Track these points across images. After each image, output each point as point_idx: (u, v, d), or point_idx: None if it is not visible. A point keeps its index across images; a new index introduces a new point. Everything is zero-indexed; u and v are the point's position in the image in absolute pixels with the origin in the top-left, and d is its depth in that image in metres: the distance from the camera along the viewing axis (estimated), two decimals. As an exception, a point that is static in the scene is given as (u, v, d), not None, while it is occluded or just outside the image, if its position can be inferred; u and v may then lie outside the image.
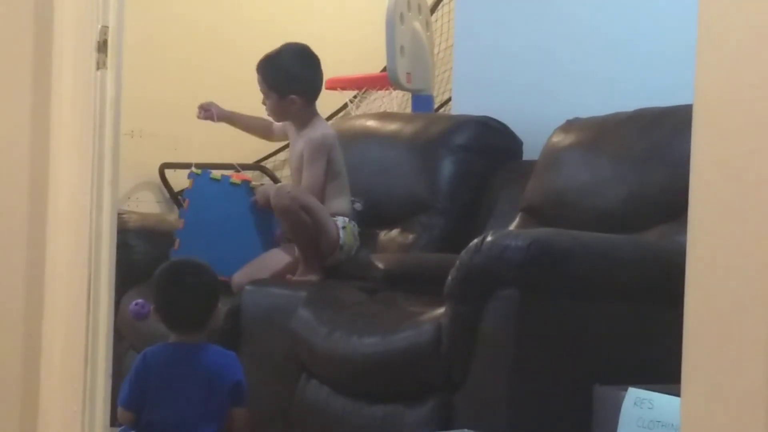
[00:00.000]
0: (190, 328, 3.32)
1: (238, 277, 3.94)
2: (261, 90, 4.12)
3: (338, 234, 3.97)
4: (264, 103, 4.12)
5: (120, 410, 3.25)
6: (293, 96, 4.05)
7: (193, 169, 4.17)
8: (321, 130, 4.07)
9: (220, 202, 4.10)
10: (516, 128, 4.21)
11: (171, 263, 3.51)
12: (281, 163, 5.76)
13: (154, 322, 3.42)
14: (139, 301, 3.54)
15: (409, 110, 5.29)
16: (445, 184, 4.14)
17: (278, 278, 3.95)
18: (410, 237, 4.11)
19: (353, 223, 4.06)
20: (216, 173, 4.17)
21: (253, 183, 4.24)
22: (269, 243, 4.13)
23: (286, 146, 4.48)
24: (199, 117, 4.26)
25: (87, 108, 2.68)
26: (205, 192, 4.11)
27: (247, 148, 5.42)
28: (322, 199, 4.00)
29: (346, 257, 4.00)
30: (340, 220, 4.00)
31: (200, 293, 3.36)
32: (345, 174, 4.09)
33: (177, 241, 4.05)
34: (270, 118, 4.25)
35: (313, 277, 3.90)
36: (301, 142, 4.07)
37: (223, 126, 5.66)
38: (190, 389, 3.25)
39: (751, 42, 1.56)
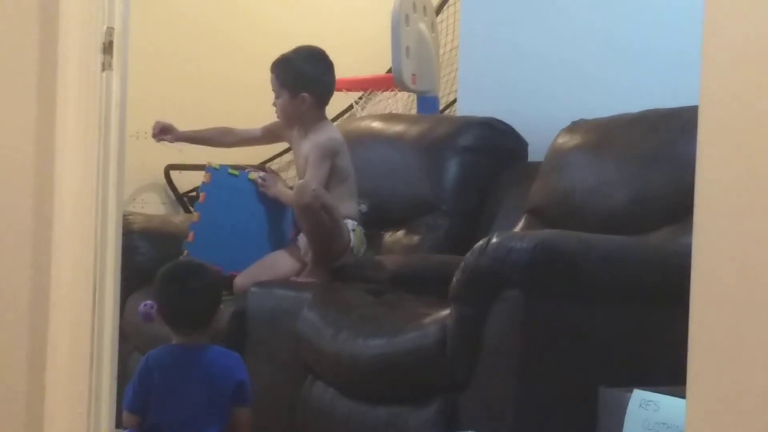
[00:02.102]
0: (192, 330, 3.32)
1: (240, 279, 3.95)
2: (273, 89, 4.12)
3: (349, 237, 3.98)
4: (275, 104, 4.12)
5: (125, 414, 3.25)
6: (304, 94, 4.04)
7: (211, 163, 4.17)
8: (328, 134, 4.06)
9: (237, 197, 4.11)
10: (521, 129, 4.21)
11: (173, 264, 3.49)
12: (287, 164, 5.76)
13: (162, 323, 3.42)
14: (148, 302, 3.53)
15: (414, 111, 5.29)
16: (450, 186, 4.14)
17: (283, 280, 3.94)
18: (415, 238, 4.11)
19: (360, 226, 4.06)
20: (234, 169, 4.17)
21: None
22: (281, 242, 4.13)
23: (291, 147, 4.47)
24: (155, 138, 4.25)
25: (92, 109, 2.68)
26: (222, 186, 4.11)
27: (251, 149, 5.42)
28: None
29: (353, 259, 4.00)
30: (350, 224, 4.00)
31: (202, 294, 3.35)
32: (353, 178, 4.09)
33: (191, 233, 4.05)
34: (257, 130, 4.28)
35: (317, 279, 3.89)
36: (308, 145, 4.06)
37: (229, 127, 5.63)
38: (194, 391, 3.25)
39: (757, 43, 1.56)
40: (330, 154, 4.01)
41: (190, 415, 3.23)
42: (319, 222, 3.89)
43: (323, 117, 4.13)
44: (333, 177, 4.01)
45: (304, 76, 4.06)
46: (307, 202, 3.88)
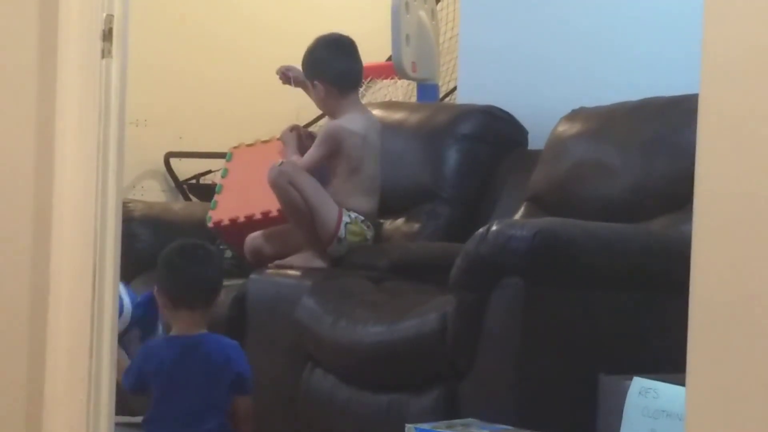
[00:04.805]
0: (193, 312, 3.28)
1: (251, 237, 3.94)
2: None
3: (337, 225, 3.84)
4: None
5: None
6: (316, 81, 3.99)
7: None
8: (340, 121, 3.95)
9: None
10: (521, 117, 4.21)
11: (175, 246, 3.46)
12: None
13: (162, 309, 3.40)
14: None
15: (414, 99, 5.28)
16: (450, 174, 4.14)
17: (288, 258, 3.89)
18: (416, 226, 4.11)
19: (368, 224, 3.93)
20: None
21: None
22: None
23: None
24: (282, 81, 4.16)
25: (92, 97, 2.68)
26: None
27: (252, 137, 5.42)
28: (335, 191, 3.92)
29: (346, 251, 3.87)
30: (350, 216, 3.88)
31: (204, 276, 3.33)
32: (370, 174, 3.96)
33: None
34: None
35: (301, 263, 3.85)
36: None
37: (228, 114, 5.64)
38: (193, 383, 3.23)
39: (758, 32, 1.56)
40: (331, 140, 3.92)
41: (190, 408, 3.22)
42: (290, 200, 3.82)
43: (350, 104, 3.99)
44: (339, 166, 3.92)
45: (315, 63, 4.00)
46: (272, 178, 3.83)
